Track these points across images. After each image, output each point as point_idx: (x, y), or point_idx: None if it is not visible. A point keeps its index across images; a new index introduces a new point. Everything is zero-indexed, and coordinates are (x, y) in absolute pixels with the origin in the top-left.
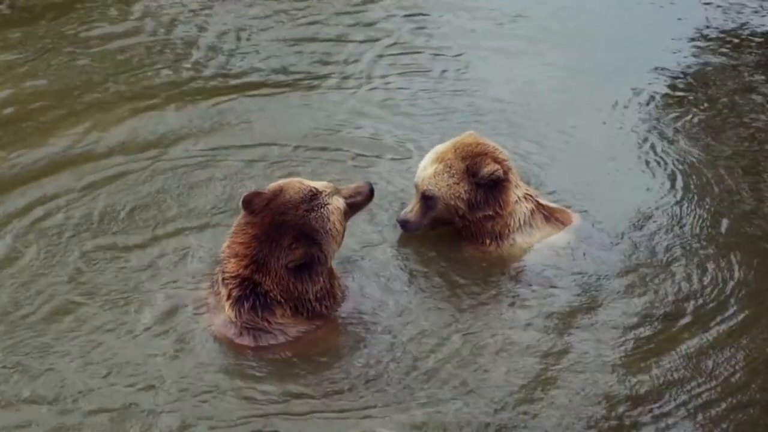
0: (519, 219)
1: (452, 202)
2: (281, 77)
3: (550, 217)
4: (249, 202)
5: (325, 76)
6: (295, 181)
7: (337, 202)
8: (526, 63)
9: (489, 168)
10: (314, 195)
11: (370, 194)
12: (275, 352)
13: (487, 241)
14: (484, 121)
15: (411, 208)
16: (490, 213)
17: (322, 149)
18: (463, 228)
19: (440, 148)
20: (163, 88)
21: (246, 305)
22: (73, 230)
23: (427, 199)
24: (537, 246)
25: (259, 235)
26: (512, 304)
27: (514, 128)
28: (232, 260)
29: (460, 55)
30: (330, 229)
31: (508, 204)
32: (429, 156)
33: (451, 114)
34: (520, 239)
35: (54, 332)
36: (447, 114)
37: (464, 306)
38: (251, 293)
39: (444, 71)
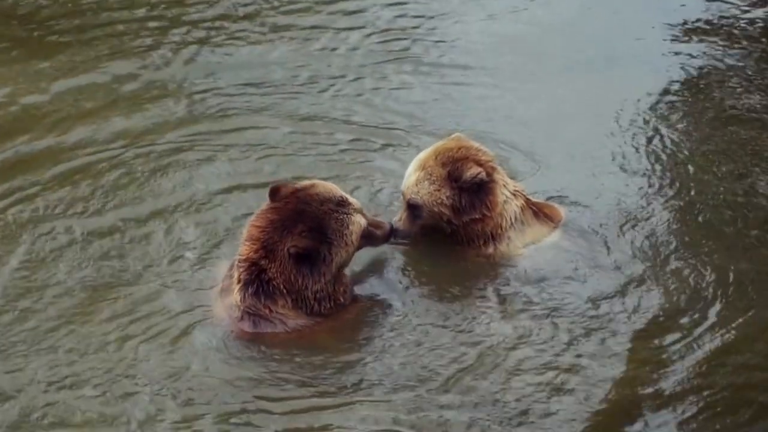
0: (510, 217)
1: (436, 209)
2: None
3: (539, 213)
4: (276, 191)
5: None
6: (329, 183)
7: (361, 220)
8: (519, 54)
9: (471, 172)
10: (343, 201)
11: (389, 235)
12: (273, 342)
13: (481, 242)
14: (477, 113)
15: (399, 217)
16: (478, 216)
17: (313, 133)
18: (452, 233)
19: (422, 155)
20: (138, 74)
21: (250, 290)
22: (52, 218)
23: (412, 208)
24: (537, 247)
25: (276, 221)
26: (513, 306)
27: (507, 124)
28: (246, 243)
29: (453, 40)
30: (346, 234)
31: (496, 205)
32: (412, 164)
33: (444, 103)
34: (514, 237)
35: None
36: (440, 103)
37: (467, 311)
38: (256, 278)
39: (437, 60)
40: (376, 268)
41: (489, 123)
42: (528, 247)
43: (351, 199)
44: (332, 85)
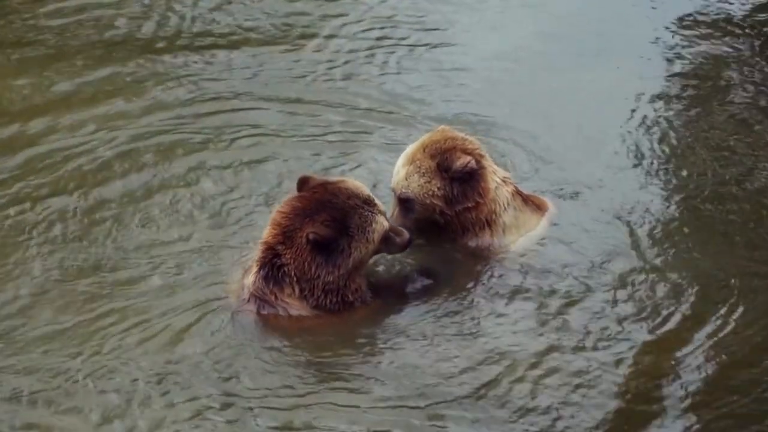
0: (503, 203)
1: (428, 201)
2: (257, 36)
3: (527, 200)
4: (304, 182)
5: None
6: (357, 181)
7: (384, 221)
8: (513, 46)
9: (461, 161)
10: (371, 200)
11: (407, 243)
12: (274, 331)
13: (477, 229)
14: (470, 103)
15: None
16: (471, 204)
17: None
18: (447, 224)
19: (410, 149)
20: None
21: (261, 273)
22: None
23: (404, 202)
24: (534, 241)
25: (300, 208)
26: (520, 310)
27: (499, 117)
28: (269, 227)
29: (446, 28)
30: (368, 232)
31: (488, 191)
32: (400, 159)
33: (437, 90)
34: (509, 222)
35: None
36: (433, 92)
37: (477, 316)
38: (269, 262)
39: (432, 47)
40: (385, 271)
41: (482, 114)
42: (526, 241)
43: (377, 201)
44: (325, 71)
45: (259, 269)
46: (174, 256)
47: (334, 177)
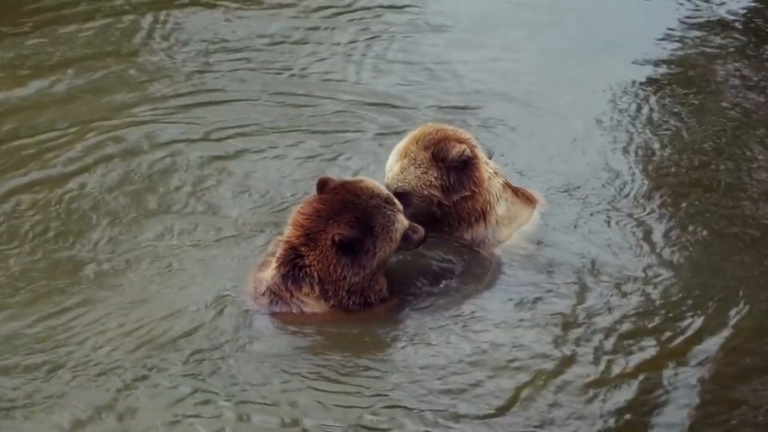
0: (496, 194)
1: (425, 192)
2: None
3: (518, 192)
4: (324, 184)
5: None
6: (375, 181)
7: (404, 220)
8: (508, 39)
9: (457, 150)
10: (391, 199)
11: (423, 239)
12: (283, 322)
13: (473, 220)
14: (462, 93)
15: None
16: (467, 193)
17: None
18: (444, 216)
19: (401, 144)
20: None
21: (281, 271)
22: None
23: (400, 197)
24: (528, 233)
25: (321, 210)
26: (521, 314)
27: (493, 113)
28: (290, 227)
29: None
30: (391, 231)
31: (482, 180)
32: (392, 155)
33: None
34: (501, 213)
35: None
36: (428, 85)
37: (491, 317)
38: (289, 261)
39: (426, 39)
40: (398, 271)
41: (476, 108)
42: (523, 238)
43: (395, 199)
44: (321, 53)
45: (280, 266)
46: (167, 251)
47: (352, 178)
